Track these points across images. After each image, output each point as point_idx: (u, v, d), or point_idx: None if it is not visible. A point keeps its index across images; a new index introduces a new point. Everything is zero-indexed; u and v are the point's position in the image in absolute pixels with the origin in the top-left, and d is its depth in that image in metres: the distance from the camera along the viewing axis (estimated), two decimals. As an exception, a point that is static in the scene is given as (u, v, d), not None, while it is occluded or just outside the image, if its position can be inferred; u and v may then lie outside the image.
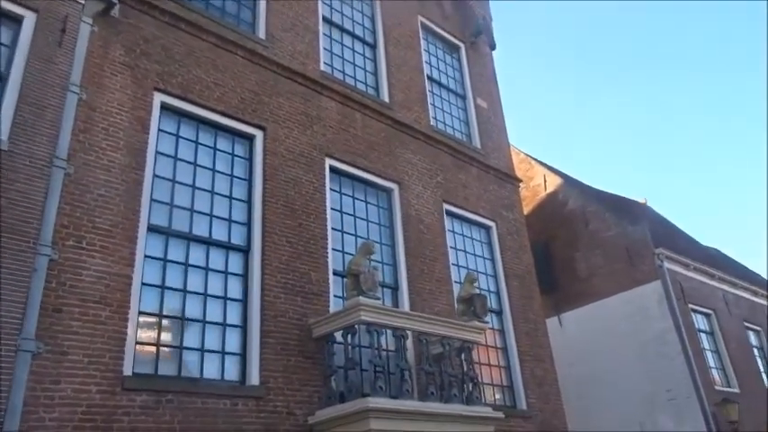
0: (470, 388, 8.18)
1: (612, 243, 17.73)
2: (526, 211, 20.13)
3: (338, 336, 7.60)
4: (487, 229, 11.95)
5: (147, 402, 6.23)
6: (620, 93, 62.75)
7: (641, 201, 23.22)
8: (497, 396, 10.36)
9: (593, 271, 17.96)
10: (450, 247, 10.86)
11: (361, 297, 7.28)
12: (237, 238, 7.94)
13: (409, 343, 8.21)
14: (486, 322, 8.81)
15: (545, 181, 20.07)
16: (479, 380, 8.47)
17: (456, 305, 9.13)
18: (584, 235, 18.49)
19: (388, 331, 7.67)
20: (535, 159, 21.01)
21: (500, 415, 8.30)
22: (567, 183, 19.81)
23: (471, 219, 11.64)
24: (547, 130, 63.64)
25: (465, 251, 11.24)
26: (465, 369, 8.33)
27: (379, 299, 7.52)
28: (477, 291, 9.12)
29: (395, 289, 9.55)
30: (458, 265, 10.85)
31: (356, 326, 7.42)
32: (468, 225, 11.62)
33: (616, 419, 15.76)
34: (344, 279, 8.13)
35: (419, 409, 7.25)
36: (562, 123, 65.58)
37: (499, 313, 11.23)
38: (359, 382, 7.21)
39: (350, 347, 7.37)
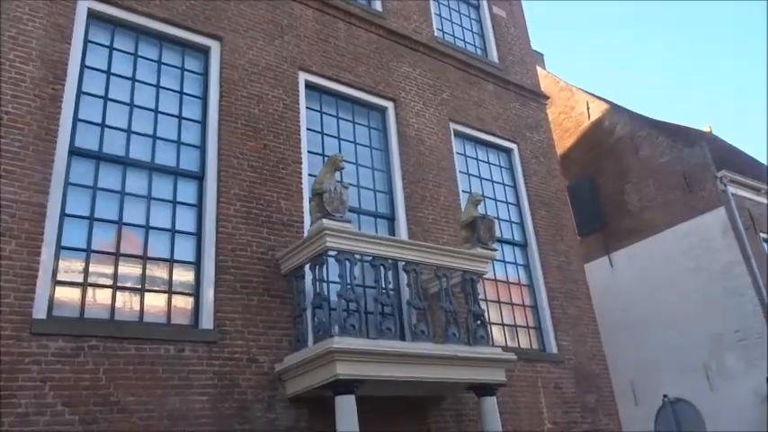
0: (474, 327, 6.87)
1: (667, 170, 15.73)
2: (568, 143, 18.39)
3: (309, 270, 6.43)
4: (508, 151, 10.43)
5: (63, 350, 5.25)
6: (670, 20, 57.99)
7: (704, 129, 20.84)
8: (521, 338, 9.01)
9: (646, 203, 16.05)
10: (461, 172, 9.44)
11: (325, 220, 6.05)
12: (189, 164, 6.83)
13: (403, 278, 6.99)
14: (494, 249, 7.42)
15: (588, 108, 18.09)
16: (487, 317, 7.10)
17: (462, 233, 7.76)
18: (635, 164, 16.53)
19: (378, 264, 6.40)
20: (576, 87, 18.99)
21: (510, 356, 6.98)
22: (614, 109, 17.76)
23: (487, 140, 10.14)
24: (589, 58, 59.79)
25: (480, 177, 9.79)
26: (469, 305, 7.01)
27: (349, 222, 6.26)
28: (482, 213, 7.69)
29: (391, 219, 8.28)
30: (470, 192, 9.42)
31: (324, 255, 6.22)
32: (484, 147, 10.13)
33: (678, 365, 14.07)
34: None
35: (402, 350, 6.02)
36: (604, 49, 61.47)
37: (523, 246, 9.79)
38: (330, 323, 6.04)
39: (318, 282, 6.18)
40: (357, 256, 6.27)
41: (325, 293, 6.13)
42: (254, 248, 6.70)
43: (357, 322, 5.92)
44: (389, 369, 5.91)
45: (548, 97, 11.75)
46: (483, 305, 8.36)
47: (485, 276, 8.83)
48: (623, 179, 16.71)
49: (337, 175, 6.52)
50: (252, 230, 6.76)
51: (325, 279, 6.21)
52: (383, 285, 6.31)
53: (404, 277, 6.92)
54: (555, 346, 9.14)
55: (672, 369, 14.06)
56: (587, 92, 18.80)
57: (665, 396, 8.02)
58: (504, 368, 6.91)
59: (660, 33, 59.23)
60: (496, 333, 8.67)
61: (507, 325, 8.90)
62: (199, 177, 6.80)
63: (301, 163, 7.51)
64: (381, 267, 6.37)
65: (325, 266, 6.20)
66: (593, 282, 15.72)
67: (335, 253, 6.13)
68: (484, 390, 6.68)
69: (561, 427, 8.46)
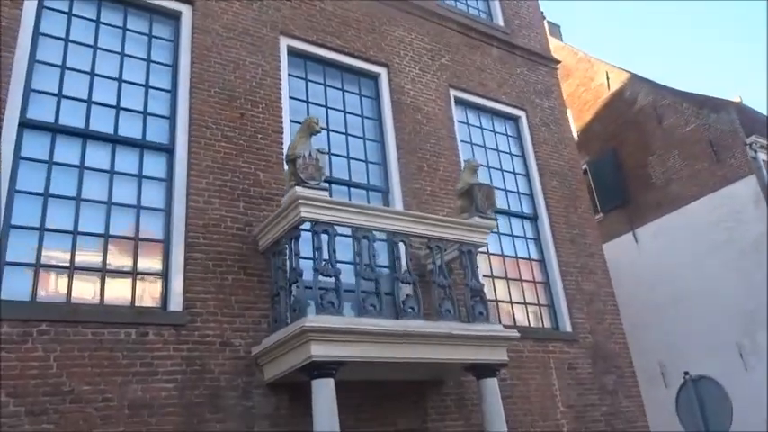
0: (472, 303, 6.26)
1: (692, 139, 14.79)
2: (588, 117, 17.52)
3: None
4: (515, 119, 9.73)
5: (9, 335, 4.81)
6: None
7: (734, 99, 19.70)
8: (532, 317, 8.36)
9: (671, 175, 15.14)
10: (462, 141, 8.79)
11: (298, 188, 5.50)
12: (157, 136, 6.33)
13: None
14: (493, 219, 6.78)
15: (608, 79, 17.17)
16: (494, 295, 6.47)
17: (458, 202, 7.13)
18: (658, 134, 15.61)
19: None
20: (595, 58, 18.07)
21: (511, 333, 6.35)
22: (635, 78, 16.82)
23: (491, 108, 9.47)
24: (609, 30, 58.07)
25: (484, 146, 9.13)
26: (466, 280, 6.40)
27: (326, 189, 5.69)
28: (479, 181, 7.04)
29: (385, 192, 7.69)
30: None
31: (300, 227, 5.67)
32: (488, 115, 9.46)
33: (708, 344, 13.22)
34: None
35: (387, 328, 5.44)
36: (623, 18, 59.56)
37: (533, 219, 9.11)
38: (306, 300, 5.49)
39: (294, 257, 5.64)
40: (336, 228, 5.70)
41: (302, 269, 5.58)
42: (229, 224, 6.19)
43: (336, 299, 5.37)
44: (373, 350, 5.35)
45: (558, 61, 10.98)
46: (488, 281, 7.83)
47: (491, 252, 8.29)
48: (647, 151, 15.80)
49: (316, 142, 5.96)
50: (226, 205, 6.25)
51: (311, 255, 5.63)
52: (366, 259, 5.73)
53: (397, 251, 6.35)
54: (569, 324, 8.47)
55: (703, 349, 13.21)
56: (607, 62, 17.87)
57: (686, 373, 7.31)
58: (506, 347, 6.29)
59: (687, 6, 57.23)
60: (504, 311, 8.07)
61: (516, 303, 8.26)
62: (168, 150, 6.30)
63: (282, 133, 6.97)
64: (364, 239, 5.79)
65: (300, 239, 5.64)
66: (617, 260, 14.98)
67: (311, 225, 5.57)
68: (483, 370, 6.08)
69: (576, 411, 7.81)
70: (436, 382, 6.80)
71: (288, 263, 5.67)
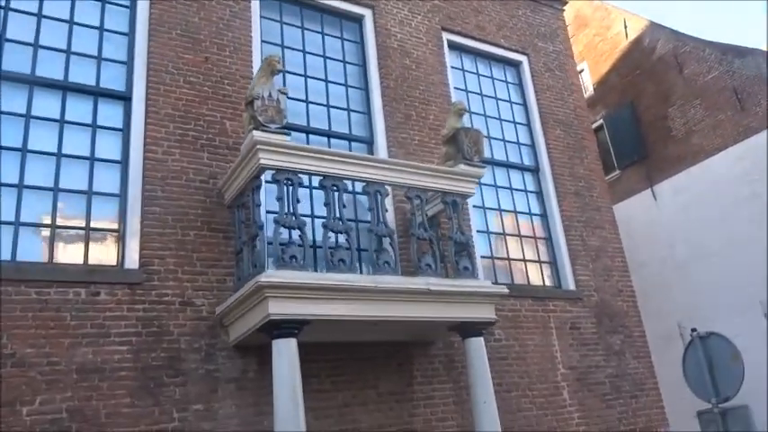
0: (456, 258, 5.75)
1: (715, 87, 13.86)
2: (605, 68, 16.60)
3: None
4: (516, 65, 9.06)
5: (-57, 295, 4.47)
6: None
7: (762, 48, 18.49)
8: (532, 274, 7.83)
9: (692, 126, 14.27)
10: (456, 89, 8.18)
11: (256, 132, 5.00)
12: (112, 82, 5.86)
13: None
14: (481, 166, 6.21)
15: (626, 27, 16.19)
16: (489, 251, 5.90)
17: (443, 149, 6.56)
18: (679, 84, 14.68)
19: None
20: (612, 5, 17.05)
21: (498, 289, 5.84)
22: (654, 25, 15.81)
23: (489, 52, 8.79)
24: None
25: (481, 93, 8.50)
26: (451, 232, 5.88)
27: (287, 134, 5.18)
28: (466, 125, 6.45)
29: (368, 143, 7.16)
30: (469, 112, 8.19)
31: (261, 177, 5.19)
32: (486, 61, 8.80)
33: (731, 304, 12.55)
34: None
35: (354, 284, 4.97)
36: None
37: (535, 171, 8.51)
38: (266, 255, 5.05)
39: (255, 208, 5.18)
40: (302, 177, 5.21)
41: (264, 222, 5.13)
42: (191, 176, 5.74)
43: (300, 254, 4.91)
44: (340, 307, 4.89)
45: (565, 2, 10.19)
46: (482, 237, 7.34)
47: (488, 207, 7.77)
48: (667, 102, 14.91)
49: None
50: (188, 156, 5.79)
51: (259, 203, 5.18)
52: (335, 211, 5.24)
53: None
54: (572, 281, 7.93)
55: (725, 308, 12.55)
56: (624, 10, 16.86)
57: (693, 330, 6.74)
58: (494, 304, 5.78)
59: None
60: (502, 269, 7.55)
61: (514, 259, 7.73)
62: (125, 97, 5.83)
63: (252, 78, 6.44)
64: (333, 189, 5.30)
65: (262, 189, 5.17)
66: (634, 218, 14.34)
67: (274, 172, 5.08)
68: (469, 330, 5.60)
69: (579, 372, 7.32)
70: (424, 343, 6.36)
71: (251, 215, 5.21)
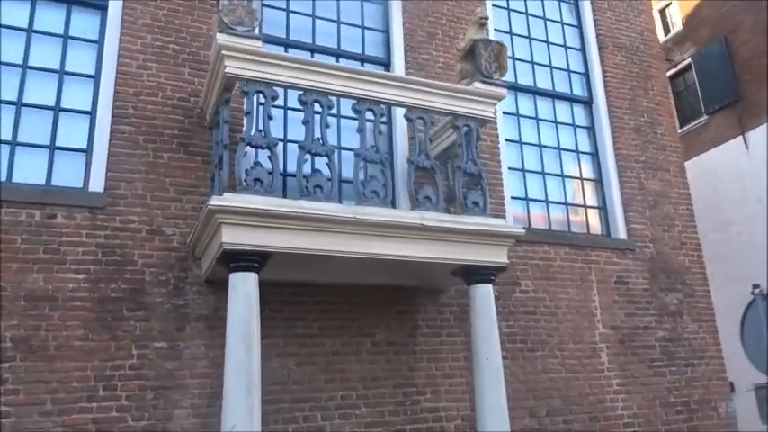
0: (464, 192, 4.89)
1: (828, 16, 11.82)
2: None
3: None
4: (571, -21, 7.84)
5: None
6: None
7: None
8: (574, 220, 6.83)
9: (796, 64, 12.32)
10: (495, 6, 7.13)
11: (220, 36, 4.31)
12: (89, -11, 5.33)
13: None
14: (502, 85, 5.23)
15: (723, -50, 14.11)
16: (484, 179, 4.92)
17: (458, 66, 5.62)
18: (783, 14, 12.66)
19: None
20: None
21: (512, 229, 4.93)
22: (759, -54, 13.66)
23: (538, -36, 7.63)
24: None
25: (525, 12, 7.39)
26: (460, 162, 5.01)
27: (259, 39, 4.45)
28: (487, 37, 5.45)
29: (384, 64, 6.33)
30: (510, 33, 7.15)
31: (232, 89, 4.53)
32: (534, -26, 7.64)
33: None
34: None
35: (327, 214, 4.25)
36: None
37: (587, 103, 7.38)
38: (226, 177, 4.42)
39: (224, 125, 4.54)
40: (276, 90, 4.49)
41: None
42: (169, 93, 5.16)
43: (268, 178, 4.24)
44: (308, 240, 4.20)
45: None
46: (517, 175, 6.44)
47: (524, 141, 6.81)
48: (765, 37, 12.93)
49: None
50: (167, 71, 5.21)
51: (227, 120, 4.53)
52: (315, 131, 4.51)
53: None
54: (623, 230, 6.87)
55: (821, 273, 10.91)
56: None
57: (755, 287, 5.60)
58: (506, 246, 4.90)
59: None
60: (537, 215, 6.62)
61: (553, 202, 6.74)
62: (102, 7, 5.29)
63: (248, -13, 5.73)
64: (315, 104, 4.55)
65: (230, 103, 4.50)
66: (723, 170, 12.75)
67: (243, 85, 4.40)
68: (472, 274, 4.78)
69: (622, 334, 6.34)
70: (434, 290, 5.61)
71: (220, 133, 4.57)
